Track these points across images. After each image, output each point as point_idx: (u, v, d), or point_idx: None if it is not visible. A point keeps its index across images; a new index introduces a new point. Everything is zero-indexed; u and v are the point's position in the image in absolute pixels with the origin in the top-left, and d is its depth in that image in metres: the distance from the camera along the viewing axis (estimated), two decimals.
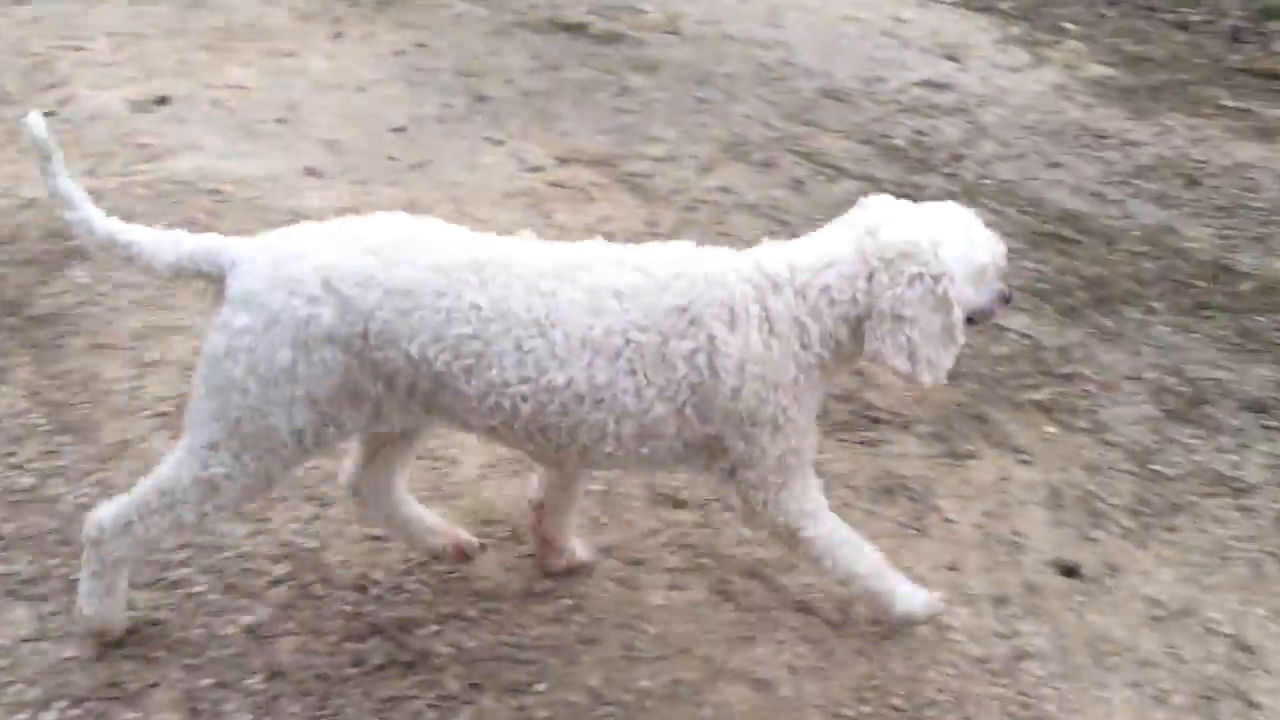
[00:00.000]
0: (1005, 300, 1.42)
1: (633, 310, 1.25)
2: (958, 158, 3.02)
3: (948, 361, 1.31)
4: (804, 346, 1.30)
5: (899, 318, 1.27)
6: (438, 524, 1.50)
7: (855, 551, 1.38)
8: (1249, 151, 3.16)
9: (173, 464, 1.29)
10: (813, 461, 1.37)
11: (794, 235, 1.37)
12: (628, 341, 1.24)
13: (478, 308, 1.23)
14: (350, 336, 1.23)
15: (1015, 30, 4.08)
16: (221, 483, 1.28)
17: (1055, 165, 3.01)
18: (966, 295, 1.33)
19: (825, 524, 1.37)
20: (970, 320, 1.37)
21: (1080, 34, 4.11)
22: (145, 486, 1.30)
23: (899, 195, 1.38)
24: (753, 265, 1.30)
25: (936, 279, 1.28)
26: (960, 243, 1.33)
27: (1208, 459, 1.88)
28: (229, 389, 1.24)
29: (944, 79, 3.57)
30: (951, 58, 3.77)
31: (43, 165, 1.27)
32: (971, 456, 1.85)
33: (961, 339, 1.31)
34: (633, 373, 1.25)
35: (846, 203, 1.37)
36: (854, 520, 1.52)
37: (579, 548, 1.53)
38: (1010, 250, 1.38)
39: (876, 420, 1.91)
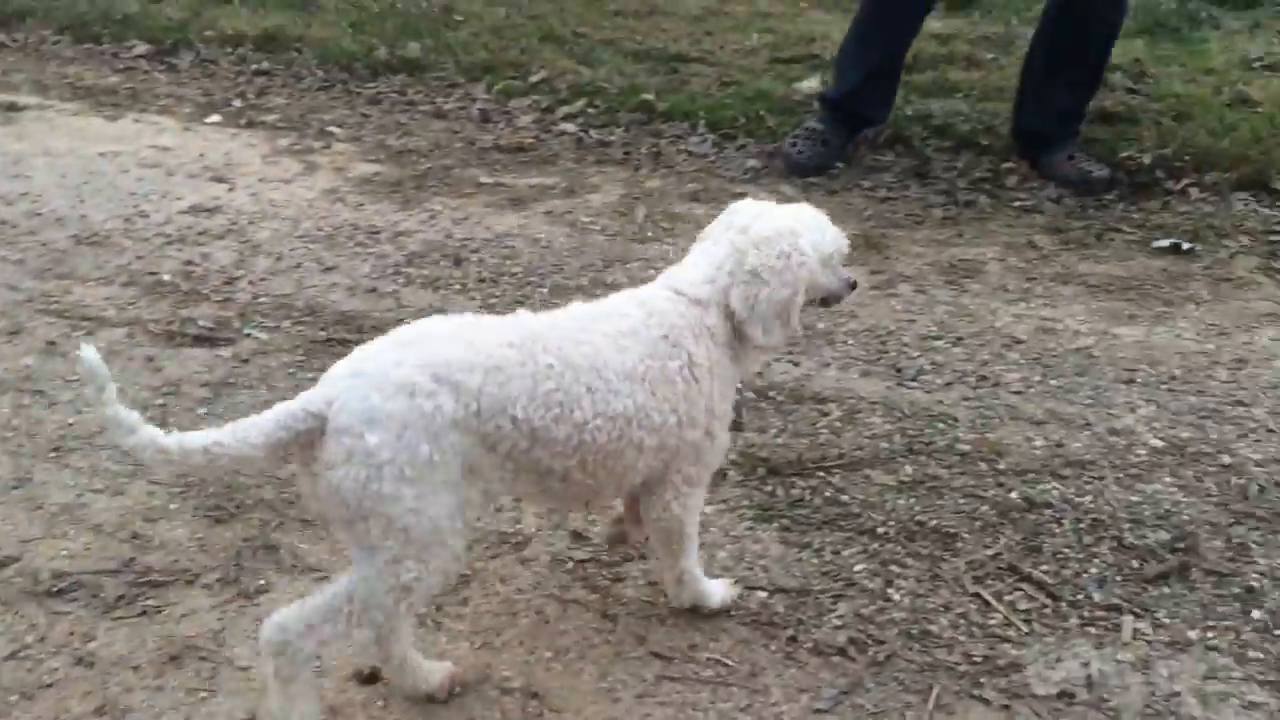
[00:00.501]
0: (852, 286, 1.76)
1: (640, 345, 1.55)
2: (231, 281, 2.98)
3: (778, 333, 1.62)
4: (730, 348, 1.63)
5: (756, 276, 1.59)
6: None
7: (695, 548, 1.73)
8: (506, 221, 3.49)
9: (363, 582, 1.40)
10: None
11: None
12: (647, 369, 1.54)
13: (551, 366, 1.48)
14: (467, 416, 1.41)
15: (284, 142, 4.15)
16: (414, 585, 1.42)
17: (330, 269, 3.09)
18: (819, 278, 1.66)
19: (695, 521, 1.71)
20: (824, 302, 1.75)
21: (347, 136, 4.29)
22: (330, 596, 1.41)
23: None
24: (680, 292, 1.62)
25: (793, 257, 1.60)
26: (815, 232, 1.66)
27: (493, 524, 2.02)
28: (388, 505, 1.37)
29: (213, 203, 3.52)
30: (220, 179, 3.73)
31: (96, 395, 1.32)
32: (264, 592, 1.82)
33: (796, 322, 1.63)
34: (653, 394, 1.54)
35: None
36: (137, 701, 1.41)
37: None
38: None
39: (156, 584, 1.80)
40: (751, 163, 4.01)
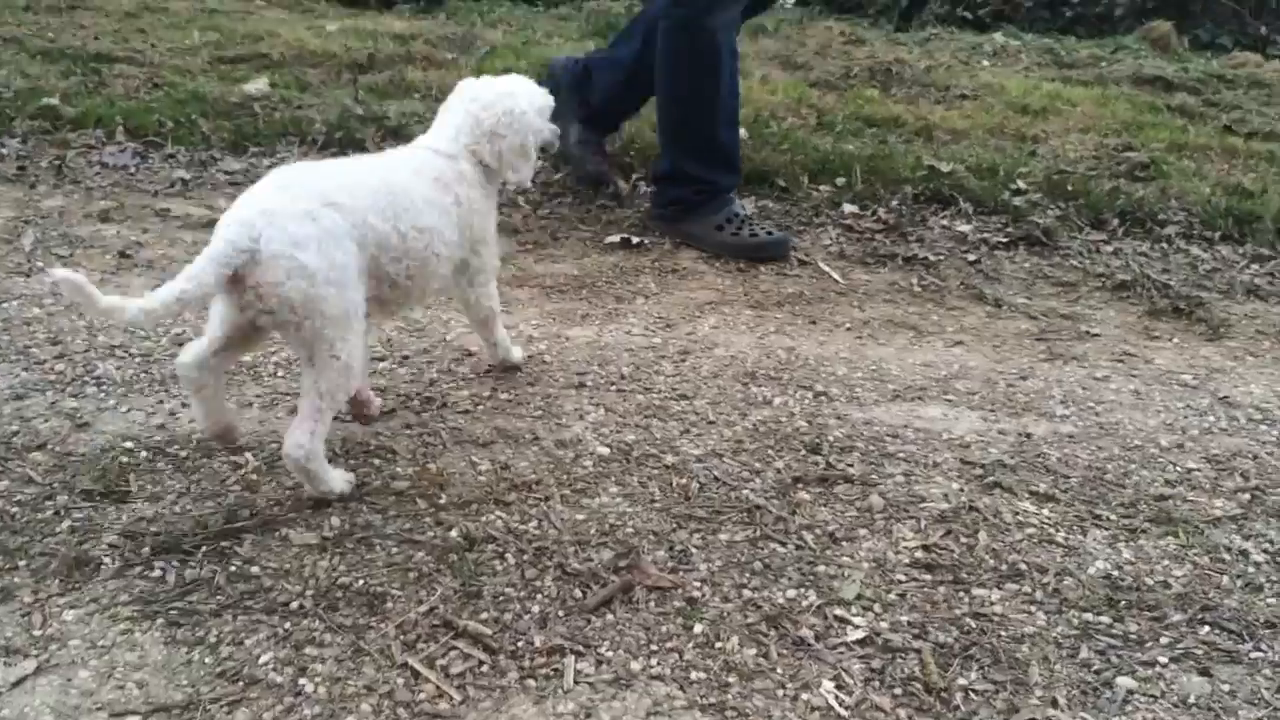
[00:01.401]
0: (560, 136, 2.31)
1: (424, 183, 2.00)
2: None
3: (525, 170, 2.17)
4: (482, 187, 2.13)
5: (496, 135, 2.10)
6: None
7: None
8: None
9: (321, 376, 1.79)
10: None
11: None
12: (436, 198, 2.01)
13: (385, 190, 1.90)
14: (350, 228, 1.80)
15: None
16: (351, 362, 1.82)
17: None
18: (539, 125, 2.18)
19: (498, 304, 2.29)
20: (543, 150, 2.26)
21: None
22: (307, 406, 1.80)
23: None
24: (437, 150, 2.09)
25: (516, 112, 2.11)
26: (527, 92, 2.17)
27: None
28: (324, 303, 1.74)
29: None
30: None
31: (85, 300, 1.52)
32: None
33: (534, 157, 2.19)
34: (444, 216, 2.02)
35: None
36: None
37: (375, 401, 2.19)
38: None
39: None
40: (180, 173, 3.50)
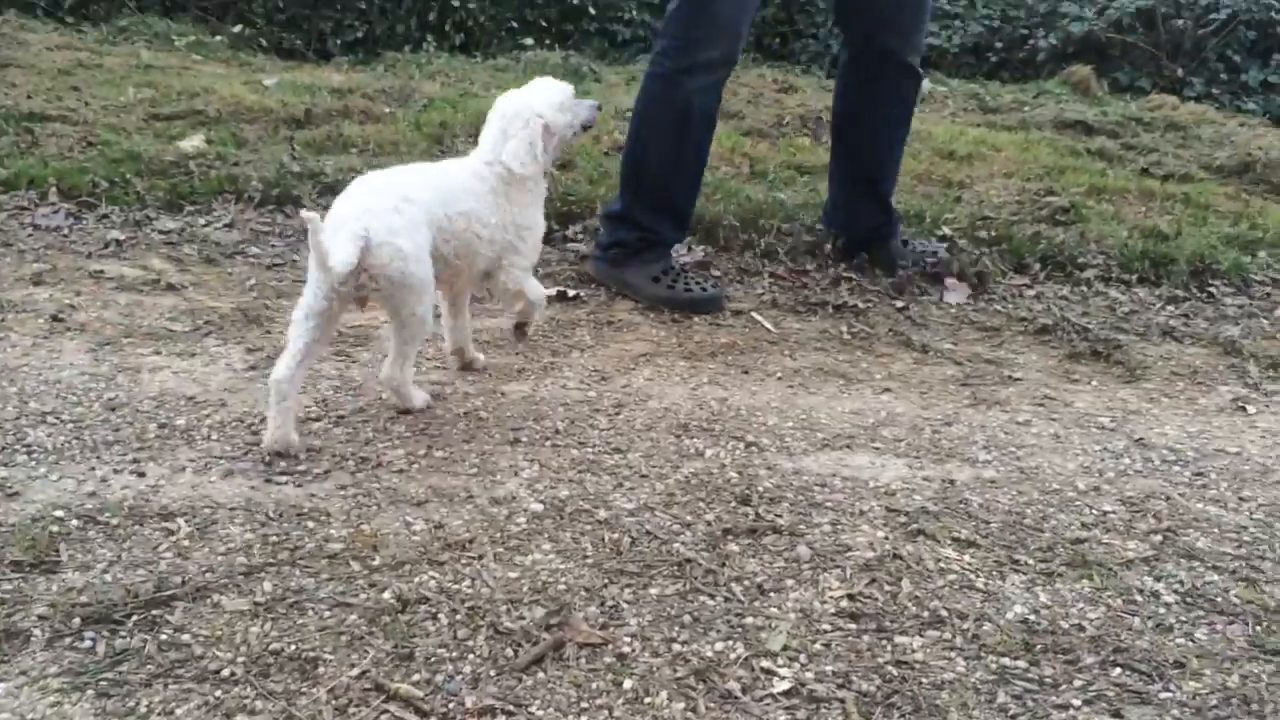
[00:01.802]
0: (597, 108, 2.77)
1: (467, 178, 2.52)
2: None
3: (526, 156, 2.51)
4: (518, 185, 2.56)
5: (506, 134, 2.53)
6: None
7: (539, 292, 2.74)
8: None
9: (404, 329, 2.37)
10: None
11: None
12: (476, 191, 2.51)
13: (443, 186, 2.45)
14: (427, 218, 2.35)
15: None
16: (425, 318, 2.39)
17: None
18: (558, 121, 2.59)
19: (533, 284, 2.72)
20: (585, 128, 2.73)
21: None
22: (394, 350, 2.43)
23: None
24: (485, 163, 2.55)
25: (528, 118, 2.52)
26: (542, 93, 2.58)
27: None
28: (414, 278, 2.30)
29: None
30: None
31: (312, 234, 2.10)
32: None
33: (538, 144, 2.53)
34: (480, 205, 2.50)
35: None
36: None
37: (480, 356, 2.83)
38: None
39: None
40: (114, 234, 3.50)
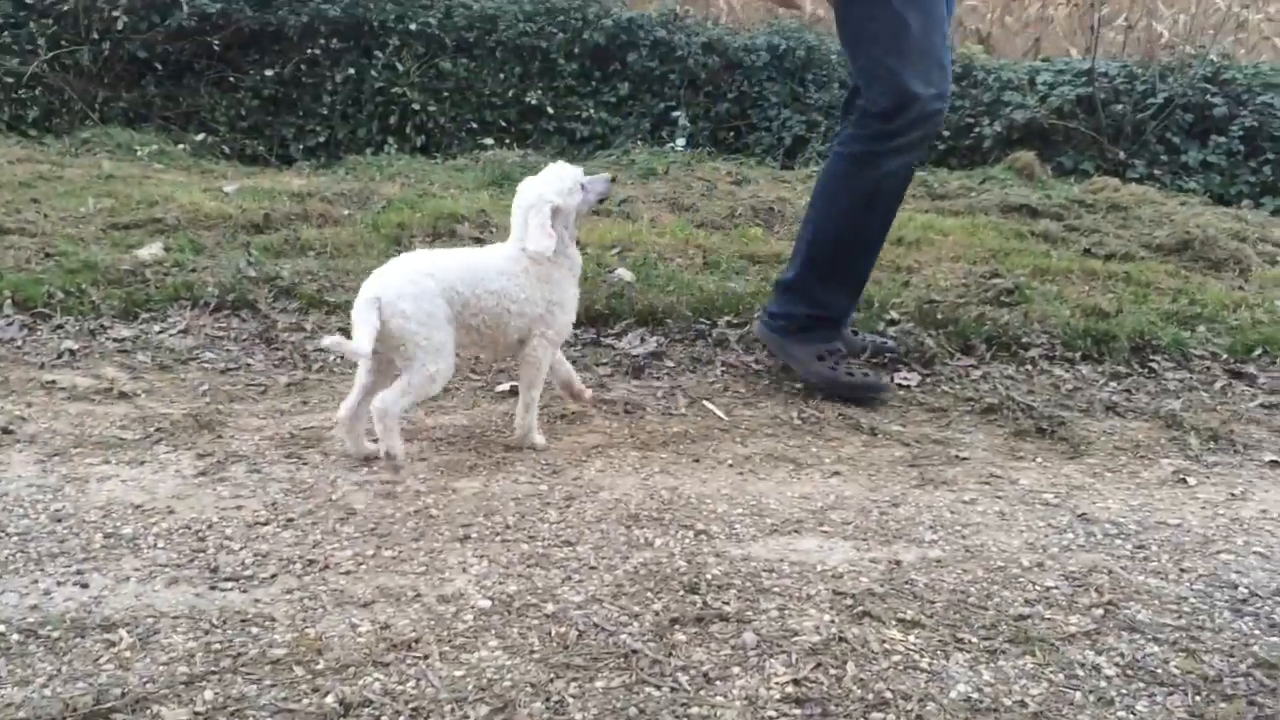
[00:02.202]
0: (611, 181, 3.03)
1: (500, 261, 2.87)
2: None
3: (540, 238, 2.78)
4: (546, 264, 2.88)
5: (526, 222, 2.82)
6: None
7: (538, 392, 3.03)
8: None
9: (412, 378, 2.70)
10: None
11: None
12: (507, 273, 2.86)
13: (468, 267, 2.83)
14: (442, 291, 2.72)
15: None
16: (434, 376, 2.73)
17: None
18: (566, 202, 2.87)
19: (544, 373, 3.01)
20: (601, 201, 3.08)
21: None
22: (399, 386, 2.71)
23: None
24: (516, 250, 2.86)
25: (537, 205, 2.80)
26: (550, 181, 2.86)
27: None
28: (417, 337, 2.67)
29: None
30: None
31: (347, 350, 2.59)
32: None
33: (549, 226, 2.80)
34: (510, 285, 2.84)
35: None
36: None
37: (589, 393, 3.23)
38: None
39: None
40: (68, 344, 3.52)
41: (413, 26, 7.85)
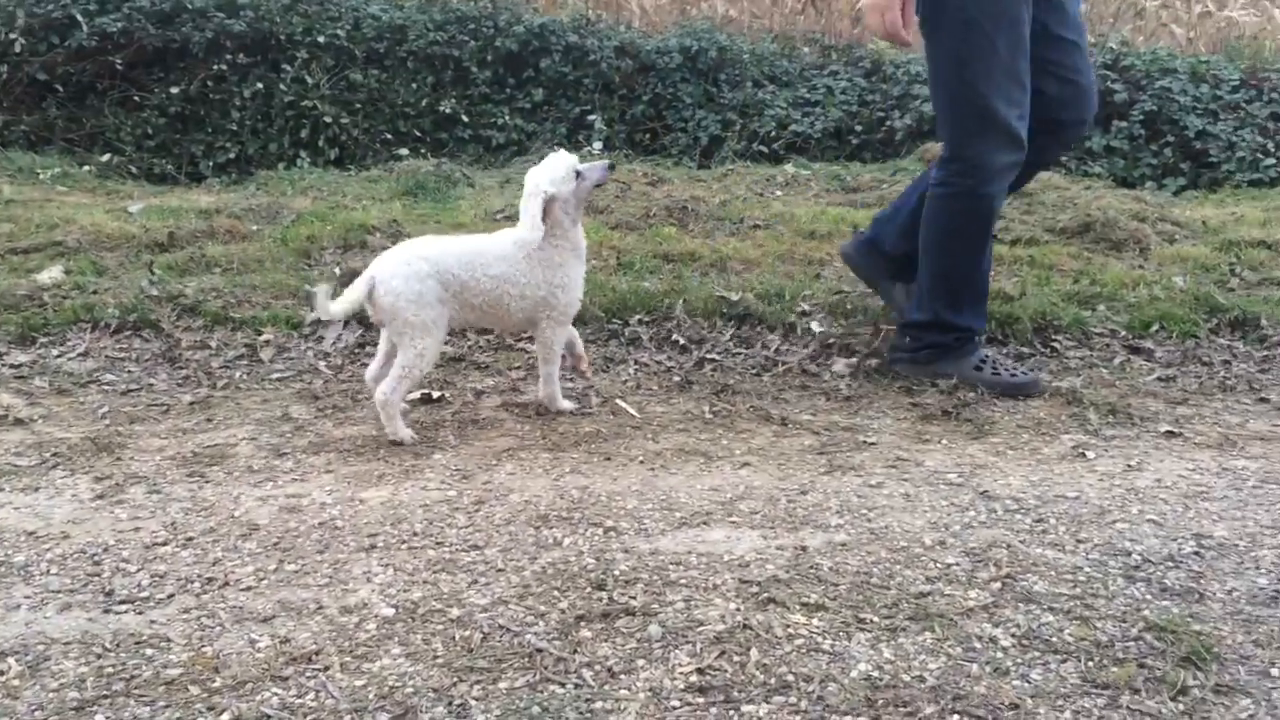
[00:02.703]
0: (610, 168, 3.17)
1: (503, 247, 3.08)
2: None
3: (528, 227, 2.97)
4: (550, 249, 3.07)
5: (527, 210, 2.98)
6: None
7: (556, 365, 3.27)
8: None
9: (404, 357, 2.96)
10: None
11: None
12: (509, 257, 3.06)
13: (466, 250, 3.06)
14: (435, 272, 2.97)
15: None
16: (424, 353, 2.97)
17: None
18: (561, 190, 3.02)
19: (561, 345, 3.26)
20: (598, 186, 3.19)
21: None
22: (395, 371, 2.98)
23: None
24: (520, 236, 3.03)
25: (533, 192, 2.97)
26: (546, 169, 3.03)
27: None
28: (407, 315, 2.93)
29: None
30: None
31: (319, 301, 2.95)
32: None
33: (539, 215, 2.98)
34: (513, 269, 3.06)
35: None
36: None
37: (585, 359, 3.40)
38: None
39: None
40: None
41: (321, 39, 7.75)
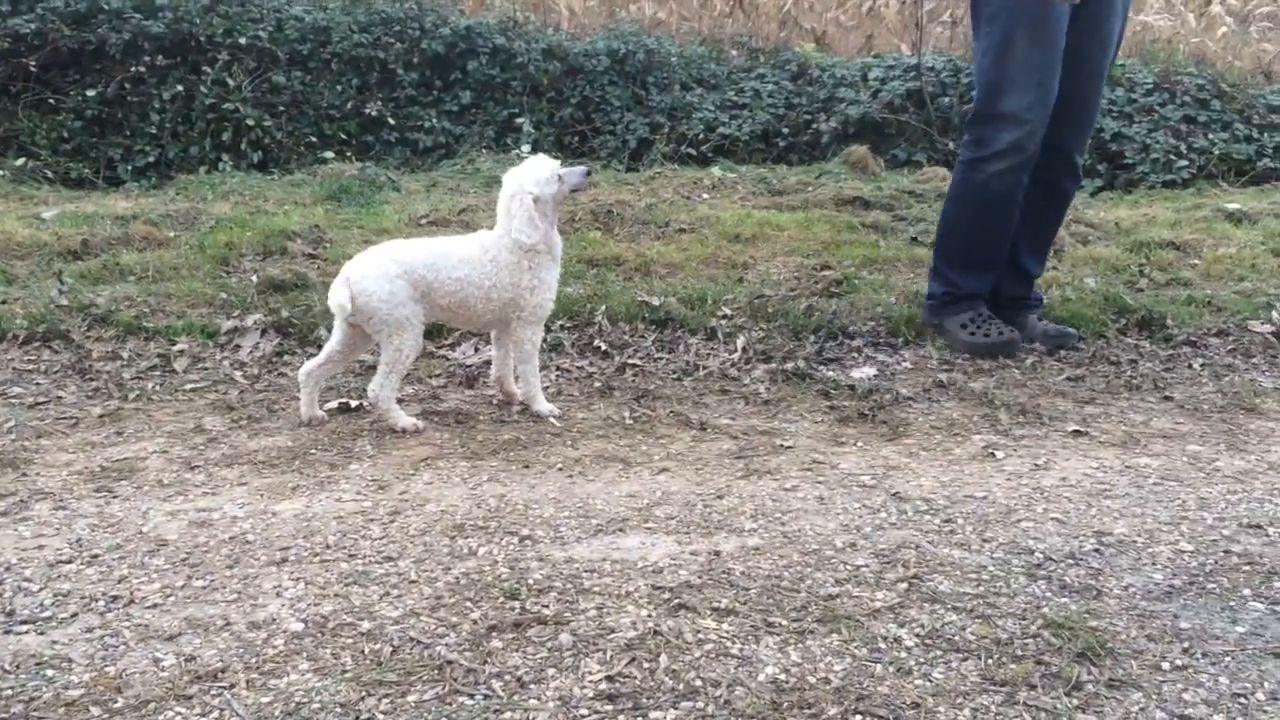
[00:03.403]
0: (586, 174, 3.27)
1: (472, 251, 3.17)
2: None
3: (533, 234, 3.10)
4: (520, 252, 3.15)
5: (509, 213, 3.11)
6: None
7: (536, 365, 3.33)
8: None
9: (386, 354, 3.10)
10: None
11: None
12: (473, 259, 3.16)
13: (431, 253, 3.16)
14: (404, 273, 3.09)
15: None
16: (404, 348, 3.11)
17: None
18: (546, 193, 3.13)
19: (537, 344, 3.31)
20: (575, 190, 3.39)
21: None
22: (381, 369, 3.12)
23: None
24: (497, 237, 3.17)
25: (518, 195, 3.08)
26: (529, 172, 3.13)
27: None
28: (382, 314, 3.07)
29: None
30: None
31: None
32: None
33: (535, 217, 3.10)
34: (476, 272, 3.14)
35: None
36: None
37: (518, 392, 3.38)
38: None
39: None
40: None
41: (243, 40, 7.63)
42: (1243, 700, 1.91)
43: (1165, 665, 2.02)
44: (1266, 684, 1.96)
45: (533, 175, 3.13)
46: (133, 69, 7.47)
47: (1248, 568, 2.41)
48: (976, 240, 3.96)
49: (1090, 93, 3.83)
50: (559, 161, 3.19)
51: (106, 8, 7.39)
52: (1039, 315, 4.11)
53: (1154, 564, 2.44)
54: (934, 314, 4.06)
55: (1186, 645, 2.08)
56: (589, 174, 3.30)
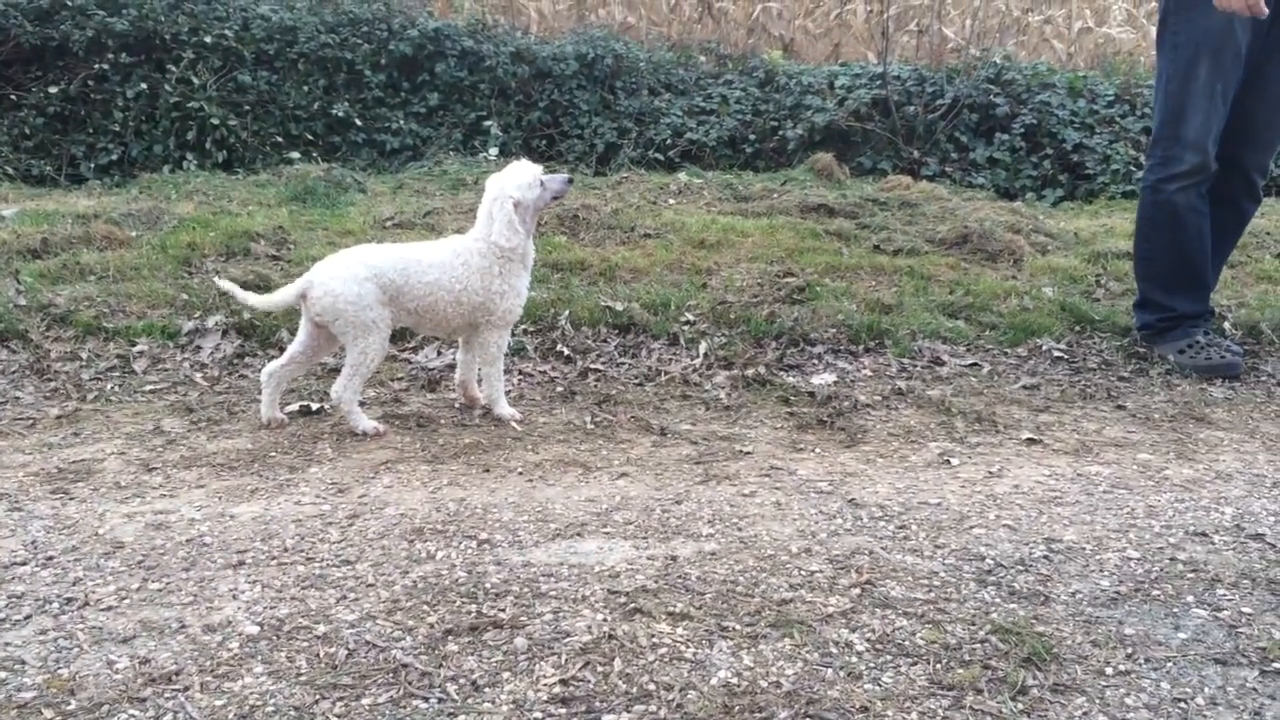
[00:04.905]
0: (568, 181, 3.28)
1: (444, 255, 3.17)
2: None
3: (508, 233, 3.10)
4: (495, 257, 3.16)
5: (491, 216, 3.12)
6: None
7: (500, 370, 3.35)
8: None
9: (351, 356, 3.10)
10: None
11: None
12: (444, 263, 3.15)
13: (402, 258, 3.13)
14: (371, 275, 3.07)
15: None
16: (368, 350, 3.09)
17: None
18: (527, 198, 3.14)
19: (503, 348, 3.32)
20: (556, 198, 3.28)
21: None
22: (346, 370, 3.12)
23: None
24: (472, 241, 3.18)
25: (500, 199, 3.09)
26: (511, 177, 3.14)
27: None
28: (346, 316, 3.05)
29: None
30: None
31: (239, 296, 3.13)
32: None
33: (517, 222, 3.11)
34: (447, 276, 3.14)
35: None
36: None
37: (481, 396, 3.39)
38: None
39: None
40: None
41: (208, 39, 7.59)
42: (1183, 705, 1.96)
43: (1109, 670, 2.07)
44: (1207, 689, 2.01)
45: (515, 180, 3.13)
46: (96, 66, 7.41)
47: (1192, 575, 2.47)
48: (1178, 259, 4.03)
49: (1274, 115, 3.92)
50: (541, 168, 3.20)
51: (70, 4, 7.33)
52: (1204, 331, 4.13)
53: (1101, 571, 2.49)
54: (1151, 343, 4.13)
55: (1130, 651, 2.13)
56: (571, 181, 3.31)
